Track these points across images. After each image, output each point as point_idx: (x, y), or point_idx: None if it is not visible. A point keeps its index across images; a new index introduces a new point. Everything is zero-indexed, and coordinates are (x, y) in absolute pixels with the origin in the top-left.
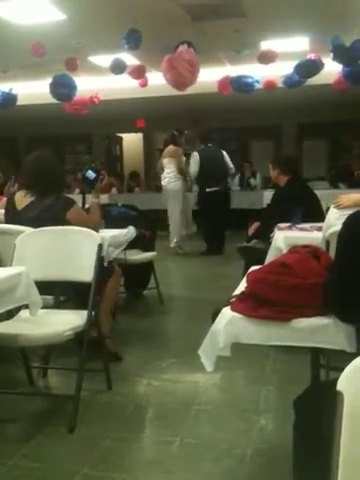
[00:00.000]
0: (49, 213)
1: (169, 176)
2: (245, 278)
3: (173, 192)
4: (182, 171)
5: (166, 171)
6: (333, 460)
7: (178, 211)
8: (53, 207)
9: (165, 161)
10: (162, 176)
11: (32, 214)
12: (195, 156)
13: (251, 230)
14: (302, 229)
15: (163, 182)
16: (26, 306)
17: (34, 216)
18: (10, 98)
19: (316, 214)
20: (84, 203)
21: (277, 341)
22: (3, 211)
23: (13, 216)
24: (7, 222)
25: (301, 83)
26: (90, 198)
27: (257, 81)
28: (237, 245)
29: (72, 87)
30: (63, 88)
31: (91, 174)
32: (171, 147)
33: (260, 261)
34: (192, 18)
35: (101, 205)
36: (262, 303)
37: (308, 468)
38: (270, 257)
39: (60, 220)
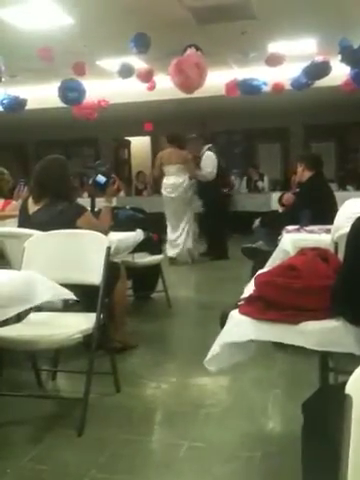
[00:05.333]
0: (60, 219)
1: (185, 183)
2: (253, 280)
3: (188, 199)
4: (195, 176)
5: (179, 178)
6: (342, 463)
7: (193, 217)
8: (64, 213)
9: (175, 168)
10: (171, 183)
11: (43, 218)
12: (212, 157)
13: (287, 199)
14: (310, 231)
15: (174, 191)
16: (36, 309)
17: (45, 221)
18: (19, 102)
19: (331, 215)
20: (93, 207)
21: (285, 341)
22: (13, 214)
23: (25, 220)
24: (20, 226)
25: (309, 85)
26: (102, 202)
27: (264, 83)
28: (242, 245)
29: (81, 91)
30: (72, 92)
31: (101, 179)
32: (181, 152)
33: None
34: (199, 21)
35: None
36: (270, 306)
37: (317, 471)
38: (275, 259)
39: (70, 226)
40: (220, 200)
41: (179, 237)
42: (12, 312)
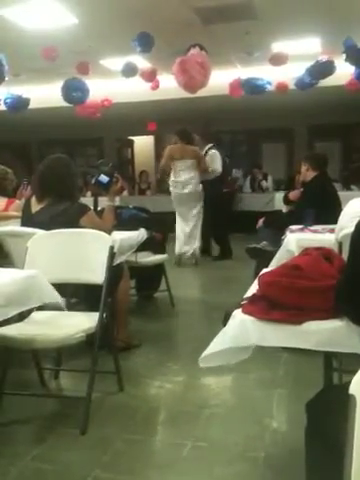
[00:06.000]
0: (62, 218)
1: (195, 178)
2: (257, 280)
3: (199, 194)
4: (206, 172)
5: (191, 173)
6: (346, 463)
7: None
8: (67, 212)
9: (187, 163)
10: (182, 180)
11: (45, 218)
12: (217, 154)
13: (294, 195)
14: (314, 231)
15: (186, 187)
16: (38, 308)
17: (47, 220)
18: (22, 101)
19: (335, 215)
20: (96, 206)
21: (288, 344)
22: (16, 213)
23: (28, 219)
24: (23, 225)
25: (313, 85)
26: (105, 201)
27: (269, 83)
28: (246, 246)
29: (84, 91)
30: (75, 92)
31: (104, 178)
32: (193, 147)
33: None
34: (202, 21)
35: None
36: (274, 305)
37: (321, 472)
38: (279, 259)
39: (73, 225)
40: (220, 199)
41: (190, 235)
42: (13, 311)
